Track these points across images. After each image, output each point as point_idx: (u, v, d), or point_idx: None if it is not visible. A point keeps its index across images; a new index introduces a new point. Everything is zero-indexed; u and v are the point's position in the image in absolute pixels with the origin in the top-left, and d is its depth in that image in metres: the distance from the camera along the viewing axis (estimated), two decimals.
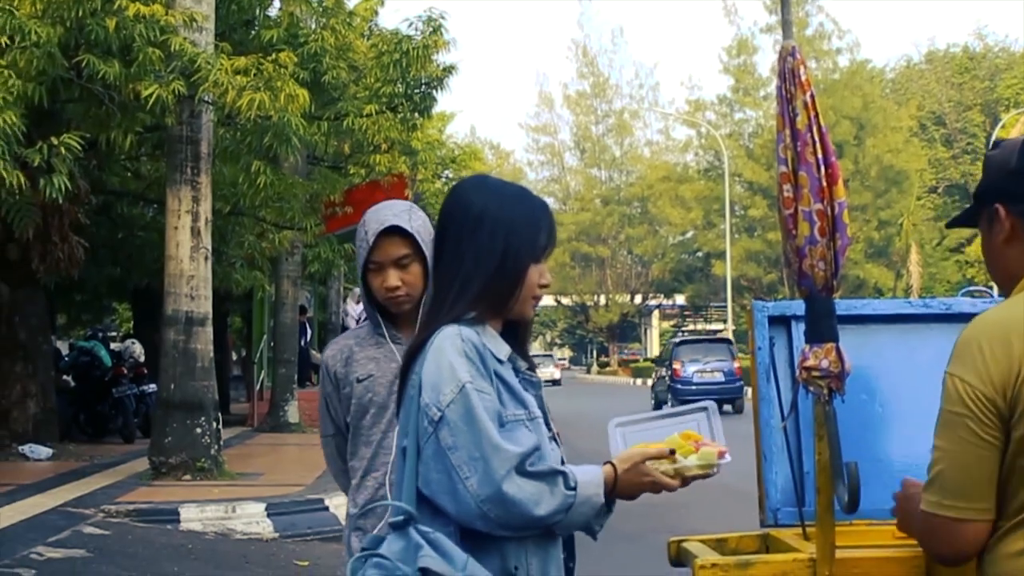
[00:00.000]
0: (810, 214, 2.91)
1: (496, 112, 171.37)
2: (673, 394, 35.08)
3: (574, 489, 2.74)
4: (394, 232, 3.71)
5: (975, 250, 67.24)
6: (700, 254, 75.29)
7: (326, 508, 12.77)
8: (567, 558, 3.06)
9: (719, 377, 35.86)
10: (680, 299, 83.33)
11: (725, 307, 64.90)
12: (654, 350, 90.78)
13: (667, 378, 36.86)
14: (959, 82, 75.96)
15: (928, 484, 2.57)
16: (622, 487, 2.86)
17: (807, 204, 2.91)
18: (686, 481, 2.92)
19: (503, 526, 2.73)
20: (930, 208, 71.71)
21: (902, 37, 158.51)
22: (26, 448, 17.03)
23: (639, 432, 3.03)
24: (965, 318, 2.90)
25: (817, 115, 2.91)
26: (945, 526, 2.57)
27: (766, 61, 67.44)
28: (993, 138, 57.74)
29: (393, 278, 3.71)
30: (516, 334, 3.01)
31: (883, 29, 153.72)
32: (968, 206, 2.77)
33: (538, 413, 2.91)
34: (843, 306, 3.71)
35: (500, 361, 2.86)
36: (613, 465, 2.88)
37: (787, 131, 2.93)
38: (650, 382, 46.68)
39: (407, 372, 2.90)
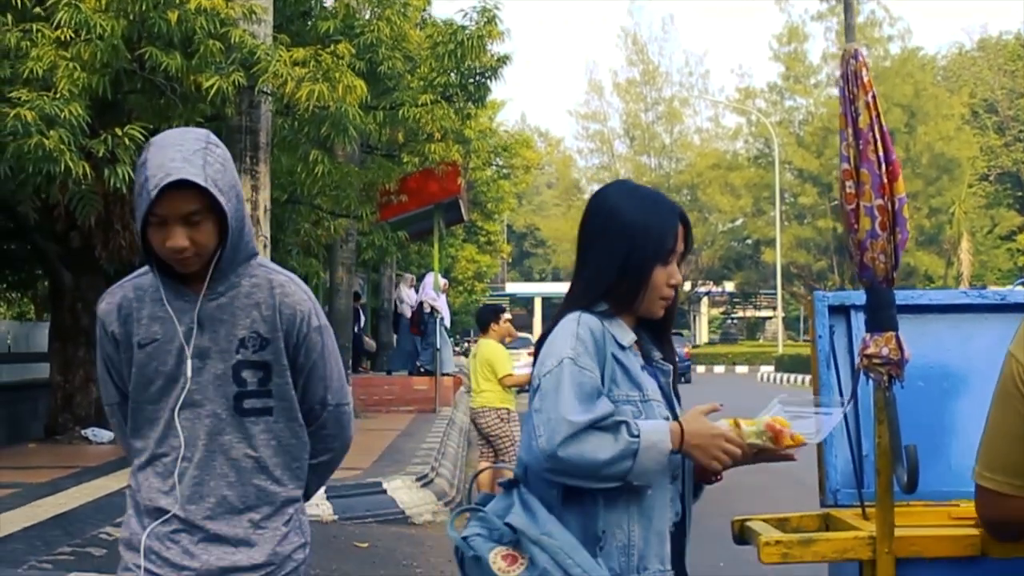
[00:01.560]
0: (871, 209, 3.07)
1: (546, 99, 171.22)
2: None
3: (637, 436, 2.92)
4: (184, 185, 3.03)
5: None
6: (750, 241, 75.23)
7: (384, 491, 12.98)
8: (681, 533, 3.20)
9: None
10: (729, 286, 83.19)
11: (775, 294, 64.78)
12: (703, 337, 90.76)
13: None
14: (1012, 69, 75.41)
15: (978, 454, 2.69)
16: (690, 439, 3.00)
17: (868, 200, 3.07)
18: (759, 454, 3.08)
19: (573, 476, 2.93)
20: (982, 196, 71.27)
21: (954, 24, 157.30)
22: (89, 431, 17.38)
23: (781, 412, 3.16)
24: (1020, 308, 3.03)
25: (879, 114, 3.06)
26: (988, 497, 2.68)
27: (816, 49, 67.46)
28: None
29: (179, 237, 3.05)
30: (658, 329, 3.20)
31: (935, 16, 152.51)
32: None
33: (653, 396, 3.09)
34: (901, 296, 3.85)
35: (622, 347, 3.05)
36: (679, 422, 3.05)
37: (849, 130, 3.09)
38: None
39: (538, 353, 3.14)
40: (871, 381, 3.25)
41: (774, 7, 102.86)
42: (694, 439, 3.01)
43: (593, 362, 3.00)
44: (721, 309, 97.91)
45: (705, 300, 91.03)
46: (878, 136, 3.04)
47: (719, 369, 66.14)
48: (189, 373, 3.15)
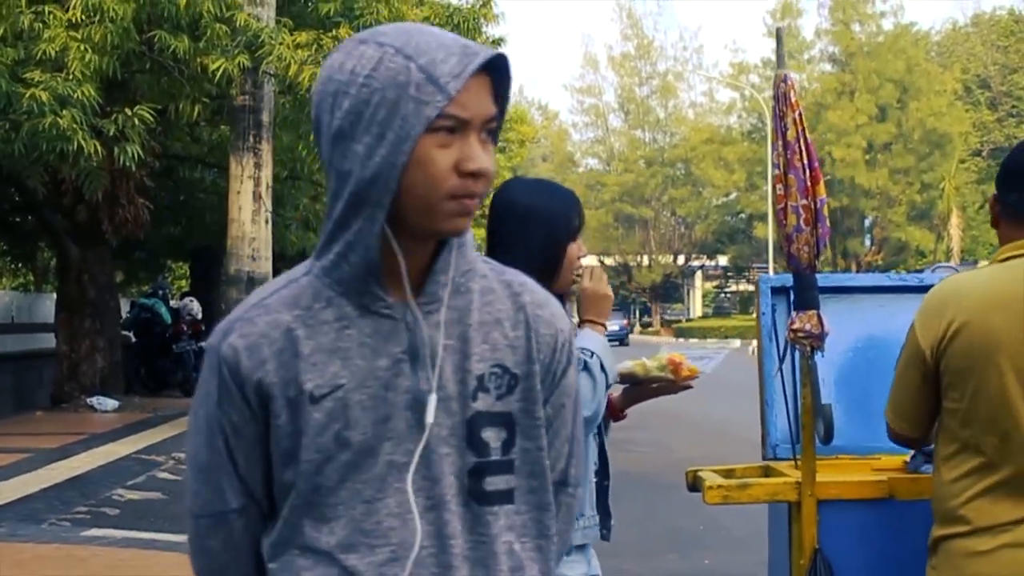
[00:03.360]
0: (797, 208, 3.67)
1: (542, 73, 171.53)
2: None
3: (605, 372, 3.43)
4: (490, 70, 1.93)
5: None
6: (743, 216, 75.61)
7: None
8: (603, 477, 3.81)
9: (616, 328, 60.94)
10: (723, 260, 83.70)
11: (767, 268, 65.31)
12: (697, 311, 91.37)
13: None
14: (1005, 45, 75.79)
15: (888, 398, 3.32)
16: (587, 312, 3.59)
17: (795, 200, 3.66)
18: (660, 388, 3.71)
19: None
20: (974, 171, 71.73)
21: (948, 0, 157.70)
22: (94, 400, 17.98)
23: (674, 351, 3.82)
24: None
25: (803, 129, 3.66)
26: (889, 429, 3.33)
27: (810, 24, 67.67)
28: None
29: (482, 154, 1.89)
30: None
31: None
32: None
33: None
34: (833, 279, 4.50)
35: None
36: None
37: (780, 142, 3.68)
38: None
39: None
40: (797, 351, 3.86)
41: None
42: (589, 312, 3.57)
43: None
44: (715, 283, 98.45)
45: (699, 274, 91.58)
46: (803, 147, 3.64)
47: (712, 342, 66.75)
48: (430, 420, 1.94)
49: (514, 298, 2.07)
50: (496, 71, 1.93)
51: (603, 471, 3.72)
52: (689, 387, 3.70)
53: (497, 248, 3.66)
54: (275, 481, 1.99)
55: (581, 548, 3.62)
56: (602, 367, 3.35)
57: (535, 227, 3.60)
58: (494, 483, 1.99)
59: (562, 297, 3.77)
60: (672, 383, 3.66)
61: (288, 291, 1.99)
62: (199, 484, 2.04)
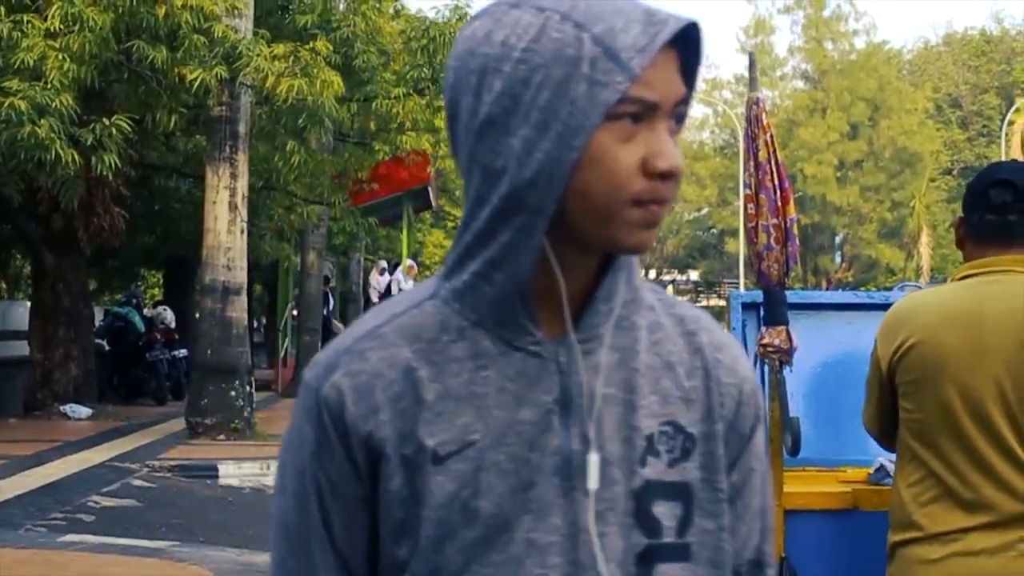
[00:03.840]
0: (768, 227, 3.80)
1: None
2: None
3: None
4: (675, 41, 1.49)
5: None
6: (714, 231, 75.94)
7: None
8: None
9: None
10: (694, 275, 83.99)
11: (738, 283, 65.59)
12: None
13: None
14: (975, 65, 76.36)
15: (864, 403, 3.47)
16: None
17: (765, 219, 3.80)
18: None
19: None
20: (944, 190, 72.20)
21: (920, 19, 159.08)
22: (67, 408, 18.01)
23: None
24: None
25: (775, 150, 3.79)
26: (868, 432, 3.46)
27: (783, 41, 68.02)
28: (1007, 120, 58.30)
29: (674, 149, 1.48)
30: None
31: (902, 11, 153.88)
32: None
33: None
34: (802, 296, 4.65)
35: None
36: None
37: (751, 162, 3.82)
38: None
39: None
40: (766, 365, 3.99)
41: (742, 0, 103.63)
42: None
43: None
44: (686, 297, 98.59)
45: (670, 288, 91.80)
46: (774, 168, 3.78)
47: None
48: (592, 486, 1.52)
49: (688, 338, 1.62)
50: (682, 41, 1.51)
51: None
52: None
53: None
54: (382, 556, 1.57)
55: None
56: None
57: None
58: (668, 573, 1.54)
59: None
60: None
61: (408, 318, 1.57)
62: (285, 552, 1.61)
